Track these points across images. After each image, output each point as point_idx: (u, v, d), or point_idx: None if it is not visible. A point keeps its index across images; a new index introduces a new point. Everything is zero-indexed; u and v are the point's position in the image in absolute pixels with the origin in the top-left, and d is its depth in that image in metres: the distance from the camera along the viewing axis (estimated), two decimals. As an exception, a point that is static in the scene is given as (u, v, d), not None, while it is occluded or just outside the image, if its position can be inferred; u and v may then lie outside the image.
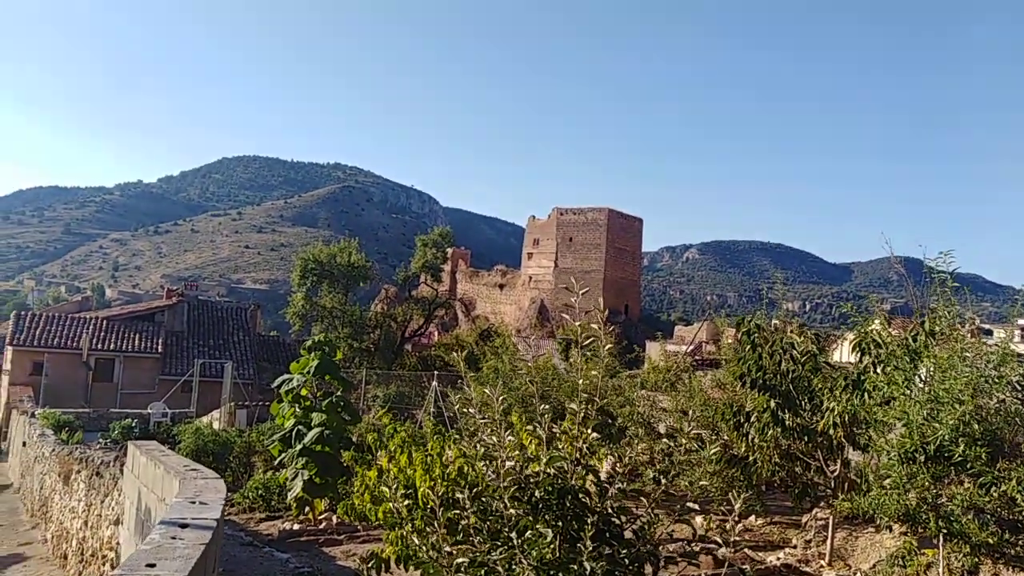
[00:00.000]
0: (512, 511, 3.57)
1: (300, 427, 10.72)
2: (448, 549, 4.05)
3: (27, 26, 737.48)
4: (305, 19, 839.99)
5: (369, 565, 5.00)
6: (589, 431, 3.72)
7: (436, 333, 62.33)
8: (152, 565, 2.84)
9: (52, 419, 19.85)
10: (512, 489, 3.61)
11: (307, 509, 10.85)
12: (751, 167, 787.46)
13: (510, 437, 3.78)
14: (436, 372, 24.22)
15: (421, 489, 4.86)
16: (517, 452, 3.80)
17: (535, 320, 72.78)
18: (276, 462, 11.02)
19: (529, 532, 3.58)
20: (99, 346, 34.41)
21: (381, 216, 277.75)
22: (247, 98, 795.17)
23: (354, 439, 11.77)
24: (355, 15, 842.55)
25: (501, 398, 3.95)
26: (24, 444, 21.69)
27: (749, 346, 8.10)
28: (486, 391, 4.80)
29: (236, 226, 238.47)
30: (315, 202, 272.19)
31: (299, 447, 10.44)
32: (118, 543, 7.32)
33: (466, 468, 5.10)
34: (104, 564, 7.74)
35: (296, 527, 10.18)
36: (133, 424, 19.69)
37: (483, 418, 4.06)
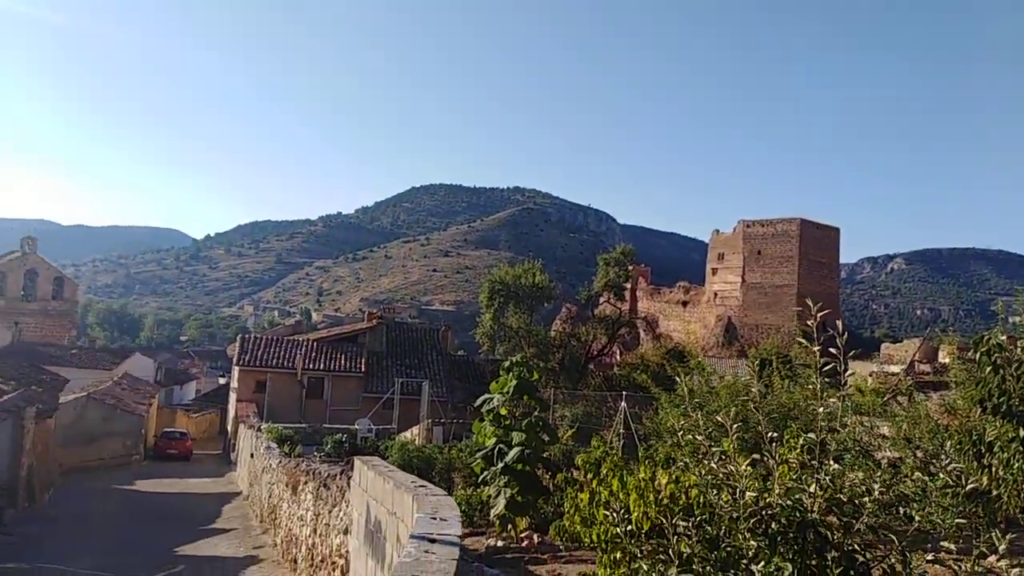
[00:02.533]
0: (753, 543, 3.44)
1: (501, 446, 11.05)
2: (674, 577, 3.98)
3: (245, 76, 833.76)
4: (487, 55, 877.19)
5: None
6: (831, 462, 3.50)
7: (618, 352, 62.01)
8: (416, 577, 3.07)
9: (275, 433, 21.93)
10: (751, 520, 3.48)
11: (509, 527, 11.13)
12: (967, 167, 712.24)
13: (746, 467, 3.64)
14: (624, 392, 23.98)
15: (635, 514, 4.82)
16: (755, 482, 3.65)
17: (722, 338, 70.19)
18: (479, 479, 11.41)
19: (765, 565, 3.44)
20: (311, 366, 37.68)
21: (559, 236, 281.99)
22: (435, 130, 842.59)
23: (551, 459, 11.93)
24: (534, 49, 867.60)
25: (734, 425, 3.83)
26: (252, 456, 24.10)
27: (989, 367, 7.27)
28: (695, 415, 4.70)
29: (425, 251, 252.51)
30: (496, 225, 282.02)
31: (501, 465, 10.76)
32: (347, 551, 7.92)
33: (678, 494, 4.99)
34: (335, 570, 8.41)
35: (500, 544, 10.47)
36: (343, 439, 21.22)
37: (712, 444, 3.95)
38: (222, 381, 68.86)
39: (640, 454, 8.46)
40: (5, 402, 19.04)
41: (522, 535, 11.02)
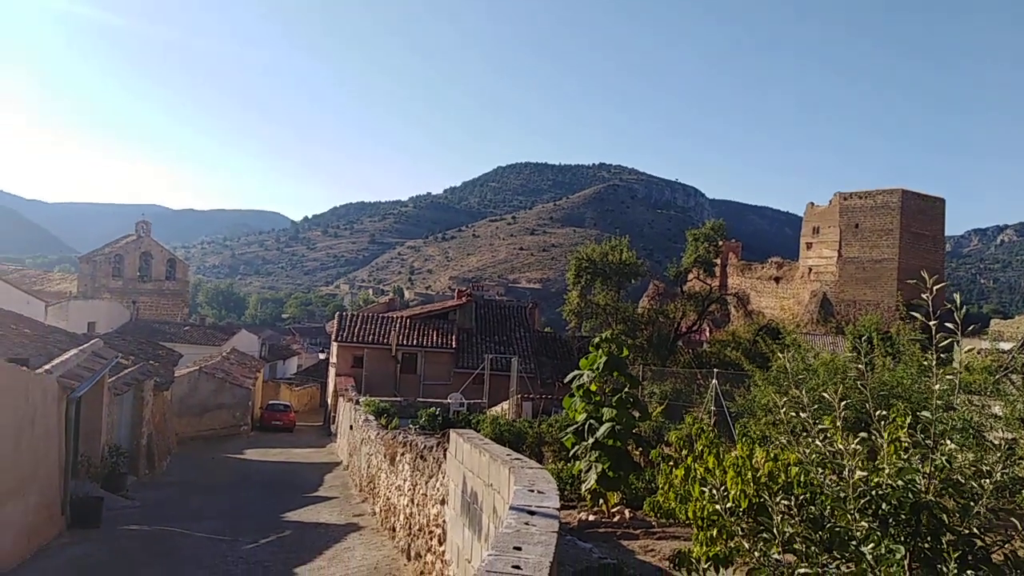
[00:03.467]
0: (864, 524, 3.35)
1: (592, 421, 11.08)
2: (776, 556, 3.92)
3: (343, 62, 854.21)
4: (568, 32, 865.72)
5: (678, 564, 5.03)
6: (948, 443, 3.36)
7: (708, 329, 60.75)
8: (518, 548, 3.14)
9: (373, 406, 22.68)
10: (861, 501, 3.38)
11: (600, 501, 11.18)
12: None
13: (855, 445, 3.54)
14: (715, 369, 23.54)
15: (733, 492, 4.77)
16: (865, 461, 3.55)
17: (817, 315, 67.70)
18: (570, 454, 11.49)
19: (875, 547, 3.34)
20: (404, 342, 38.69)
21: (645, 212, 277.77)
22: (519, 109, 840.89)
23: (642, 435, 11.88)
24: (616, 25, 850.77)
25: (842, 403, 3.72)
26: (351, 427, 25.04)
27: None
28: (798, 392, 4.58)
29: (511, 229, 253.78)
30: (582, 202, 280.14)
31: (592, 440, 10.80)
32: (444, 521, 8.16)
33: (777, 472, 4.89)
34: (432, 539, 8.70)
35: (591, 518, 10.54)
36: (436, 412, 21.72)
37: (815, 422, 3.85)
38: (321, 356, 71.71)
39: (736, 431, 8.31)
40: (126, 376, 20.43)
41: (613, 510, 11.05)
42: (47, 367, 12.75)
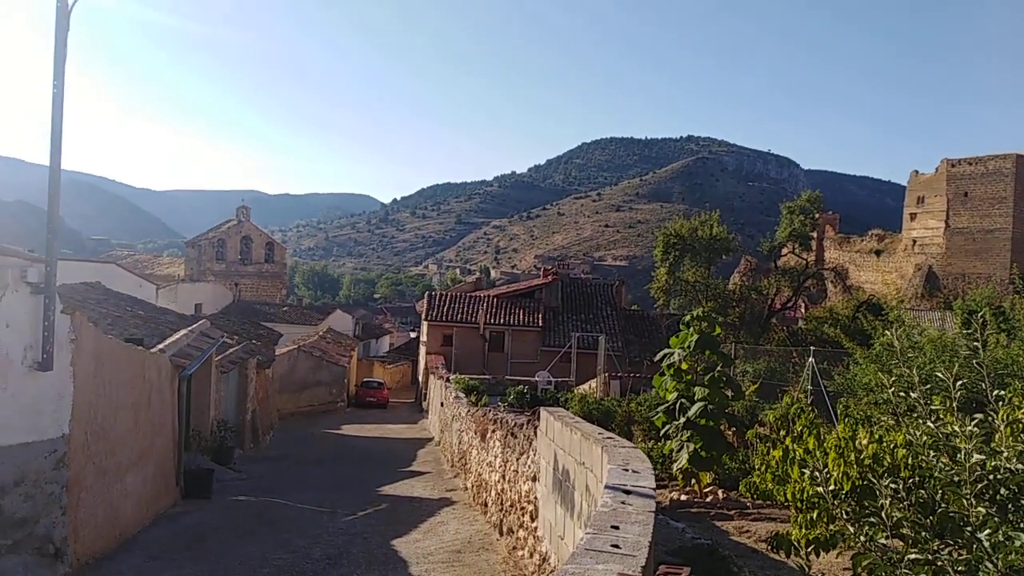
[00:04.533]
0: (981, 509, 3.18)
1: (683, 400, 10.91)
2: (883, 541, 3.77)
3: (429, 48, 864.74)
4: (651, 5, 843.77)
5: (777, 546, 4.91)
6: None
7: (803, 306, 58.66)
8: (616, 527, 3.15)
9: (463, 384, 23.11)
10: (978, 486, 3.20)
11: (692, 481, 11.03)
12: None
13: (972, 427, 3.34)
14: (811, 347, 22.71)
15: (835, 474, 4.61)
16: (981, 444, 3.35)
17: (922, 289, 64.27)
18: (661, 433, 11.37)
19: (992, 533, 3.16)
20: (492, 321, 39.11)
21: (736, 185, 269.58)
22: (603, 80, 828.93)
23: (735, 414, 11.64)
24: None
25: (956, 383, 3.52)
26: (442, 405, 25.60)
27: None
28: (907, 371, 4.35)
29: (596, 207, 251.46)
30: (669, 177, 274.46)
31: (683, 420, 10.64)
32: (535, 497, 8.25)
33: (882, 454, 4.69)
34: (524, 515, 8.81)
35: (683, 498, 10.43)
36: (524, 390, 21.93)
37: (926, 402, 3.66)
38: (412, 335, 73.39)
39: (838, 410, 7.99)
40: (231, 354, 21.53)
41: (706, 490, 10.89)
42: (160, 347, 13.57)
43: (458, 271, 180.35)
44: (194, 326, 17.41)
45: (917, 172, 71.83)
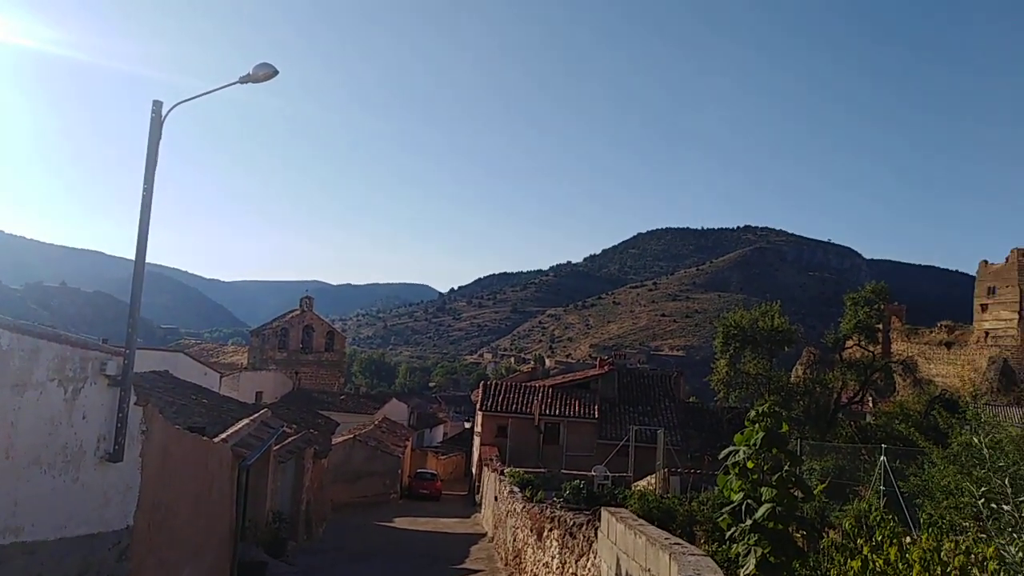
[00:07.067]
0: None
1: (749, 501, 10.47)
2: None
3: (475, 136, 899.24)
4: (703, 93, 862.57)
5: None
6: None
7: (871, 400, 56.41)
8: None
9: (517, 477, 22.68)
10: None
11: (761, 589, 10.45)
12: None
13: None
14: (883, 444, 21.69)
15: (920, 588, 4.34)
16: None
17: (997, 383, 61.26)
18: (727, 536, 10.87)
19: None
20: (547, 411, 38.67)
21: (796, 275, 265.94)
22: (659, 172, 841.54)
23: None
24: (756, 80, 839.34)
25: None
26: (495, 499, 25.08)
27: None
28: (1000, 481, 4.12)
29: (652, 296, 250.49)
30: (726, 267, 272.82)
31: (750, 522, 10.18)
32: (596, 603, 7.92)
33: (969, 567, 4.40)
34: (584, 620, 8.45)
35: (752, 607, 9.86)
36: (580, 485, 21.34)
37: (1018, 512, 3.44)
38: (466, 425, 72.96)
39: (921, 518, 7.56)
40: (289, 444, 21.68)
41: (776, 599, 10.28)
42: (222, 436, 13.78)
43: (513, 360, 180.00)
44: (255, 415, 17.68)
45: (987, 262, 69.96)
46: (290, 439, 21.97)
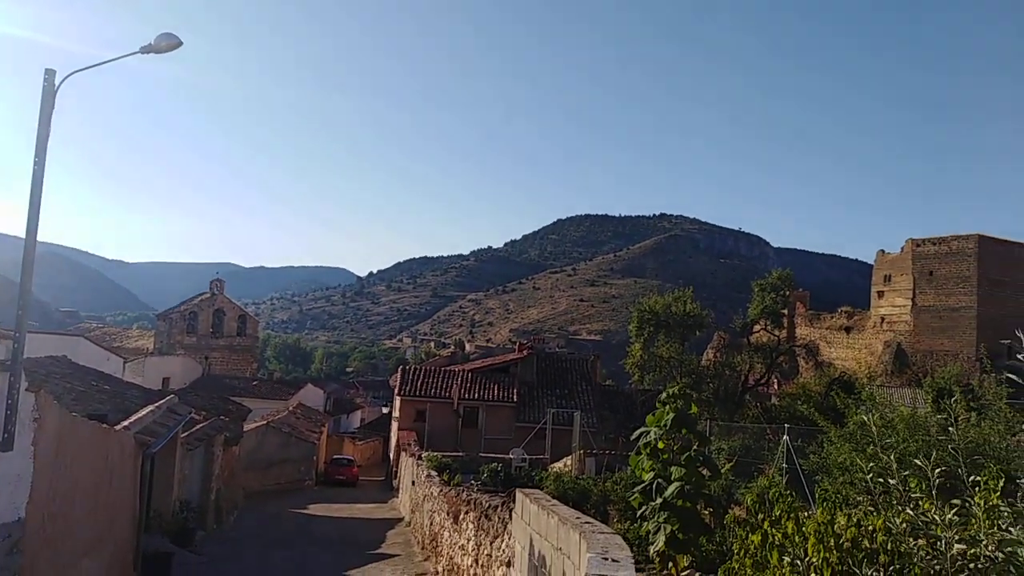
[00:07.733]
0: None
1: (659, 480, 10.77)
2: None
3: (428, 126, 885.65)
4: (626, 82, 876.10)
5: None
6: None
7: (776, 382, 59.01)
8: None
9: (435, 461, 22.65)
10: (962, 575, 3.18)
11: (669, 564, 10.79)
12: None
13: (952, 516, 3.33)
14: (785, 424, 22.71)
15: (816, 560, 4.55)
16: (961, 532, 3.34)
17: (891, 366, 65.13)
18: (638, 514, 11.16)
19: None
20: (466, 396, 38.70)
21: (708, 262, 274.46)
22: (579, 159, 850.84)
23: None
24: (674, 71, 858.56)
25: (935, 470, 3.53)
26: (413, 483, 25.00)
27: None
28: (886, 457, 4.36)
29: (571, 281, 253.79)
30: (642, 253, 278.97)
31: (660, 501, 10.48)
32: (510, 583, 8.00)
33: (860, 539, 4.64)
34: (498, 601, 8.53)
35: (661, 582, 10.18)
36: (498, 468, 21.54)
37: (903, 487, 3.66)
38: (384, 410, 72.27)
39: (816, 494, 7.94)
40: (198, 431, 20.96)
41: (683, 573, 10.64)
42: (125, 424, 13.18)
43: (433, 344, 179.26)
44: (161, 402, 17.00)
45: (883, 251, 73.86)
46: (199, 426, 21.25)
